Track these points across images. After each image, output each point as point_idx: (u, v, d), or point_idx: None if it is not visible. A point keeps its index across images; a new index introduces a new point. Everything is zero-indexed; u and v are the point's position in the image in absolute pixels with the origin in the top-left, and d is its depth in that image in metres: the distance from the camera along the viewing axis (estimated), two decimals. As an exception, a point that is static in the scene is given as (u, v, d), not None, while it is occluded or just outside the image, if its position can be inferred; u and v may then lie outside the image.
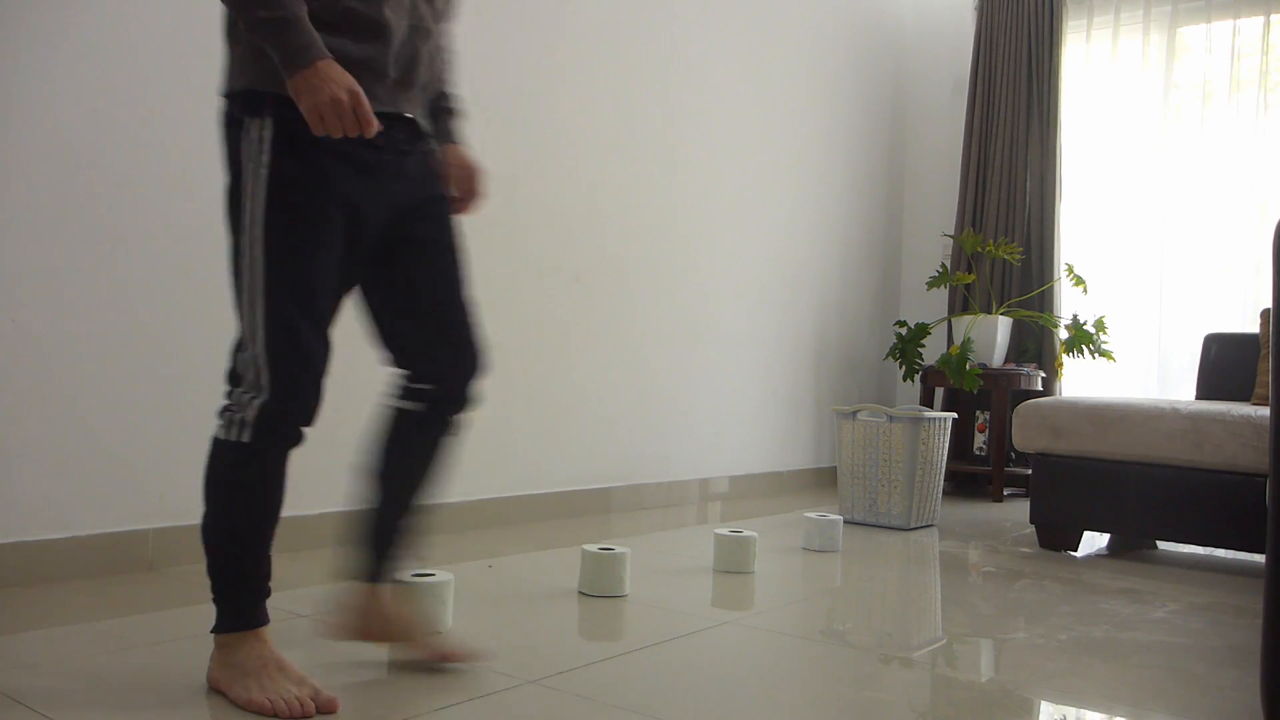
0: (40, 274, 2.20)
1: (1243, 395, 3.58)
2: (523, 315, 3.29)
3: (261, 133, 1.47)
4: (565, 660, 1.79)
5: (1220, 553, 3.31)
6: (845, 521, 3.58)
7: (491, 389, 3.20)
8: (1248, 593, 2.64)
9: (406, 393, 1.70)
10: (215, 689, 1.54)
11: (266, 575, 1.58)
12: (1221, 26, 4.39)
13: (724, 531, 2.66)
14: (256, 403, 1.50)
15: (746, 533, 2.66)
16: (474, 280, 3.24)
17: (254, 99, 1.47)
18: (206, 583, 1.58)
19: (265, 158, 1.46)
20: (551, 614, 2.13)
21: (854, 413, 3.59)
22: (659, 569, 2.62)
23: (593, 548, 2.33)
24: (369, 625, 1.70)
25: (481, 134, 3.15)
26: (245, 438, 1.51)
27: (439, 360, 1.68)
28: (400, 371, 1.71)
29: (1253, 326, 4.14)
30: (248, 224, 1.47)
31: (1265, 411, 2.85)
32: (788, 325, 4.48)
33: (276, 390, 1.50)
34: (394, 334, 1.70)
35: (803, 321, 4.57)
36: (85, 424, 2.27)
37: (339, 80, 1.39)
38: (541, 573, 2.51)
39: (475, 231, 3.15)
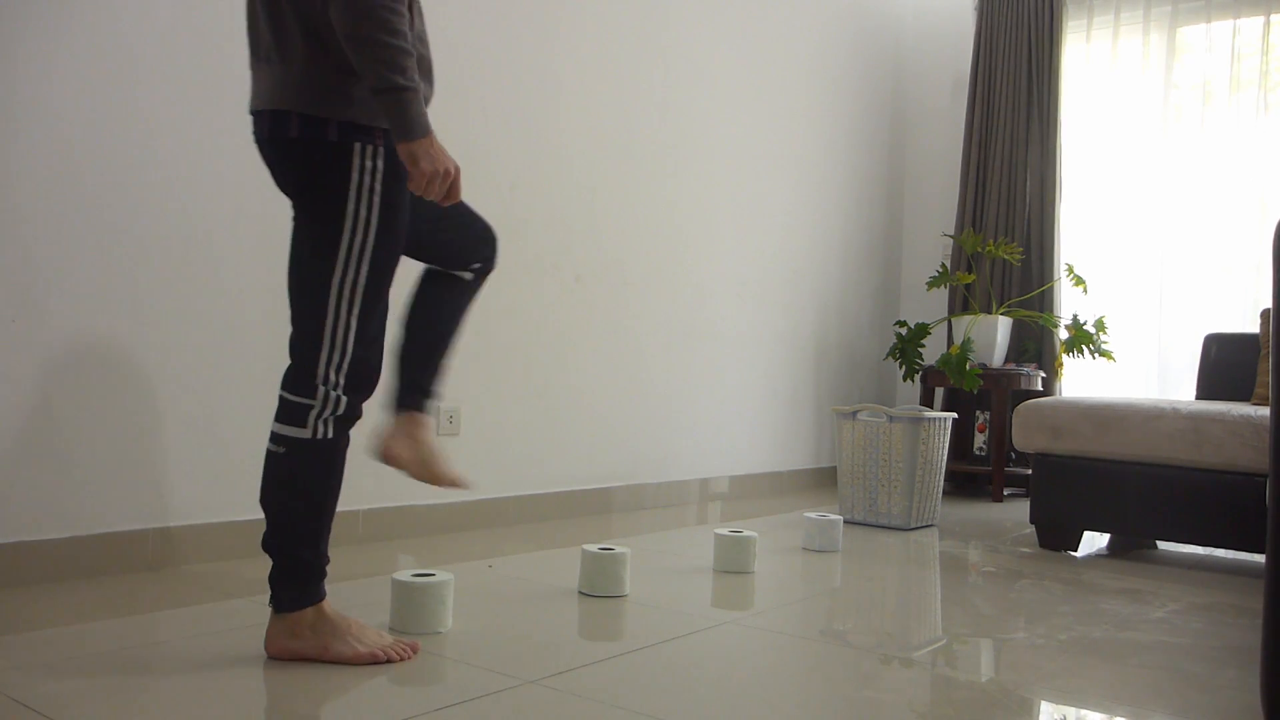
0: (40, 274, 2.20)
1: (1243, 395, 3.58)
2: (523, 315, 3.29)
3: (375, 162, 1.65)
4: (565, 660, 1.79)
5: (1220, 553, 3.31)
6: (845, 521, 3.58)
7: (492, 389, 3.21)
8: (1248, 593, 2.64)
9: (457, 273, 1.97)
10: (297, 657, 1.69)
11: (327, 551, 1.75)
12: (1221, 26, 4.39)
13: (724, 531, 2.66)
14: (344, 400, 1.68)
15: (746, 533, 2.66)
16: (474, 280, 3.22)
17: (365, 130, 1.64)
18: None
19: (379, 187, 1.65)
20: (551, 614, 2.13)
21: (854, 413, 3.59)
22: (659, 569, 2.62)
23: (593, 548, 2.33)
24: (419, 453, 1.91)
25: (482, 134, 3.15)
26: (329, 434, 1.69)
27: (479, 247, 1.97)
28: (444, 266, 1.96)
29: (1253, 326, 4.14)
30: (354, 243, 1.65)
31: (1265, 411, 2.85)
32: (788, 325, 4.48)
33: (365, 385, 1.72)
34: (437, 250, 1.93)
35: (803, 321, 4.57)
36: (85, 424, 2.27)
37: (448, 156, 1.62)
38: (541, 573, 2.51)
39: (475, 231, 3.16)
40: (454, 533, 3.04)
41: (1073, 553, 3.16)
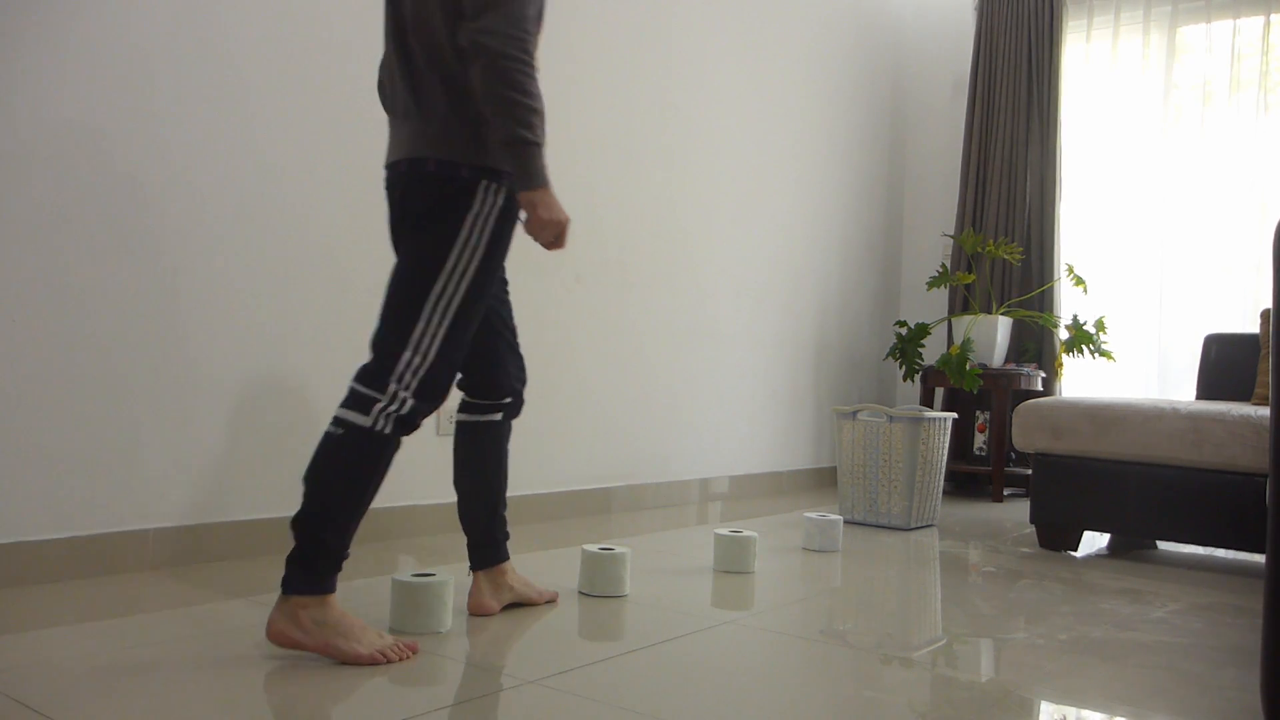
0: (40, 274, 2.20)
1: (1243, 395, 3.58)
2: (523, 315, 3.28)
3: (496, 199, 1.83)
4: (565, 660, 1.79)
5: (1220, 553, 3.31)
6: (845, 521, 3.58)
7: (491, 389, 3.20)
8: (1248, 593, 2.64)
9: (487, 408, 2.13)
10: (296, 648, 1.72)
11: (349, 547, 1.79)
12: (1221, 26, 4.39)
13: (724, 531, 2.66)
14: (410, 403, 1.78)
15: (746, 533, 2.66)
16: (474, 280, 3.22)
17: (492, 172, 1.82)
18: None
19: (493, 220, 1.83)
20: (551, 614, 2.13)
21: (854, 413, 3.59)
22: (659, 569, 2.62)
23: (593, 548, 2.33)
24: (506, 597, 2.10)
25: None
26: (387, 429, 1.76)
27: (518, 374, 2.16)
28: (481, 390, 2.12)
29: (1253, 326, 4.14)
30: (460, 262, 1.81)
31: (1265, 411, 2.85)
32: (788, 325, 4.48)
33: (434, 397, 1.82)
34: (483, 355, 2.10)
35: (803, 321, 4.58)
36: (85, 424, 2.27)
37: (561, 208, 1.82)
38: (541, 573, 2.51)
39: (475, 231, 3.15)
40: (454, 533, 3.04)
41: (1073, 553, 3.16)
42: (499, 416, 2.12)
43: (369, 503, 1.78)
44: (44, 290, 2.21)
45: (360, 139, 2.81)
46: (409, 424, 1.78)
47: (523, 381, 2.16)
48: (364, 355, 2.90)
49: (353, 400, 1.76)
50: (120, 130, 2.32)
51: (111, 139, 2.31)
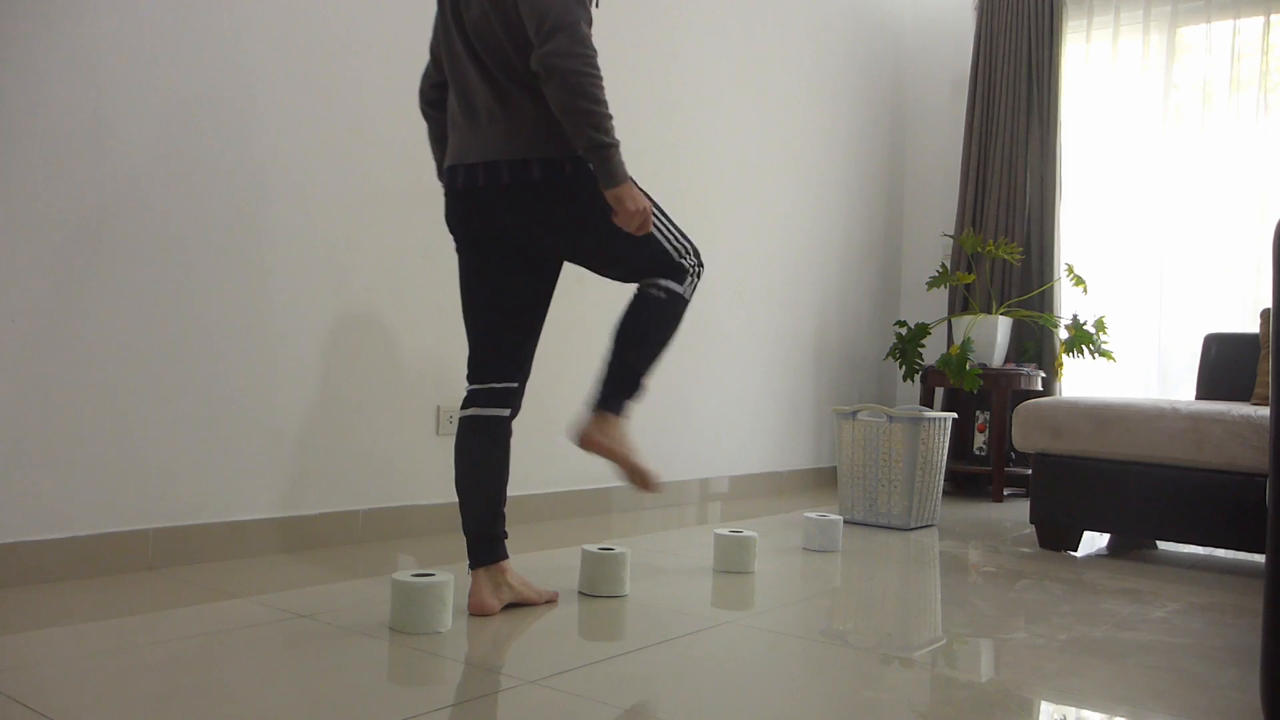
0: (40, 274, 2.20)
1: (1243, 395, 3.58)
2: (523, 315, 3.28)
3: (588, 174, 2.04)
4: (565, 660, 1.79)
5: (1220, 553, 3.31)
6: (845, 521, 3.58)
7: (491, 389, 3.20)
8: (1248, 593, 2.64)
9: (495, 402, 2.18)
10: (600, 450, 2.07)
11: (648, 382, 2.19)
12: (1221, 26, 4.39)
13: (724, 531, 2.66)
14: (698, 269, 2.18)
15: (746, 533, 2.66)
16: (474, 280, 3.21)
17: (580, 159, 2.04)
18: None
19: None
20: (551, 614, 2.13)
21: (854, 413, 3.59)
22: (659, 569, 2.62)
23: (593, 548, 2.33)
24: (506, 596, 2.13)
25: (481, 134, 3.15)
26: (690, 295, 2.16)
27: (526, 372, 2.26)
28: (498, 376, 2.18)
29: (1253, 326, 4.14)
30: (636, 204, 1.99)
31: (1265, 411, 2.85)
32: (788, 325, 4.48)
33: (700, 257, 2.20)
34: (515, 345, 2.21)
35: (803, 321, 4.58)
36: (85, 424, 2.27)
37: (641, 196, 1.99)
38: (541, 573, 2.51)
39: (475, 231, 3.15)
40: (454, 533, 3.04)
41: (1073, 553, 3.16)
42: (506, 413, 2.16)
43: (662, 350, 2.16)
44: (44, 291, 2.21)
45: (361, 140, 2.81)
46: (697, 283, 2.20)
47: (526, 378, 2.26)
48: (362, 352, 2.90)
49: (672, 278, 2.13)
50: (120, 130, 2.32)
51: (111, 139, 2.31)
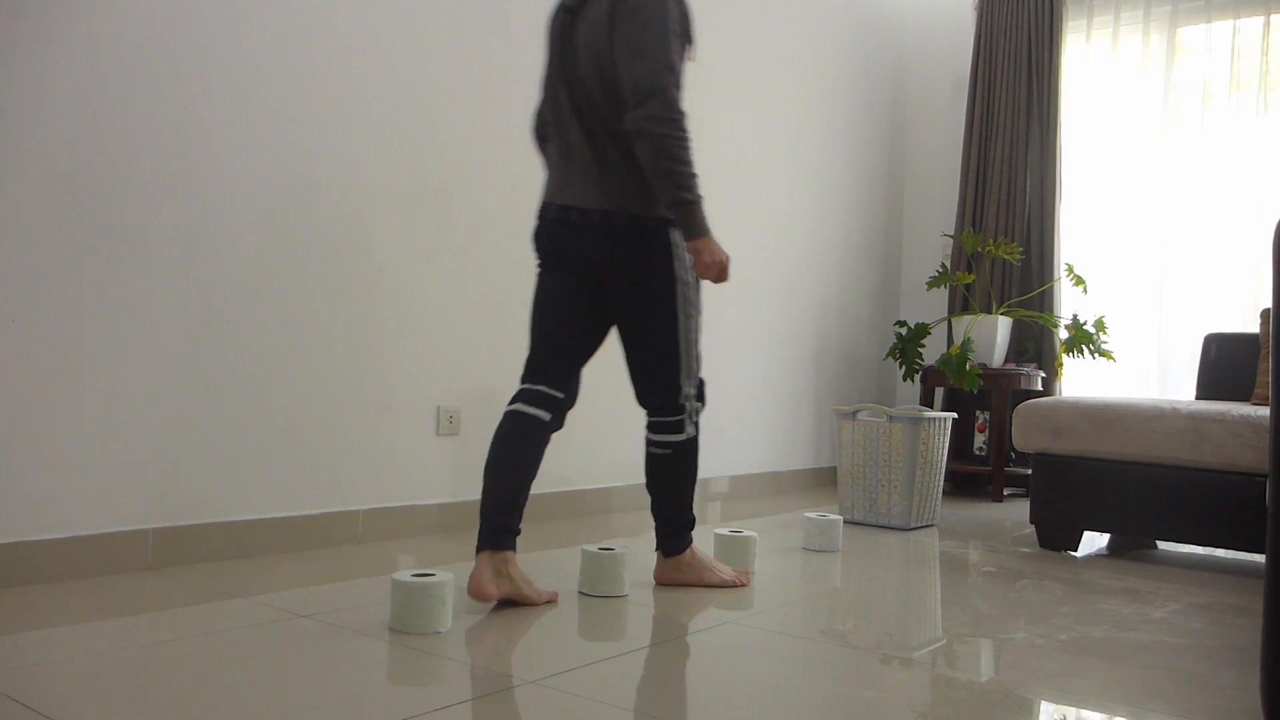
0: (40, 274, 2.20)
1: (1243, 395, 3.58)
2: (523, 315, 3.29)
3: (680, 242, 2.25)
4: (565, 660, 1.79)
5: (1220, 553, 3.31)
6: (845, 521, 3.58)
7: (492, 389, 3.21)
8: (1248, 593, 2.64)
9: (544, 405, 2.30)
10: (679, 584, 2.41)
11: (694, 514, 2.43)
12: (1221, 26, 4.39)
13: (724, 531, 2.66)
14: (699, 407, 2.37)
15: (746, 533, 2.66)
16: (475, 280, 3.25)
17: (673, 220, 2.22)
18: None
19: (687, 260, 2.25)
20: (551, 614, 2.13)
21: (854, 413, 3.59)
22: (659, 569, 2.62)
23: (593, 548, 2.33)
24: (505, 587, 2.15)
25: (482, 134, 3.15)
26: (696, 432, 2.36)
27: (575, 388, 2.40)
28: (553, 383, 2.33)
29: (1253, 326, 4.14)
30: (688, 300, 2.27)
31: (1265, 411, 2.85)
32: (788, 325, 4.48)
33: (703, 394, 2.41)
34: (571, 359, 2.38)
35: (803, 321, 4.57)
36: (85, 424, 2.27)
37: (721, 249, 2.20)
38: (541, 573, 2.51)
39: (476, 232, 3.17)
40: (454, 533, 3.04)
41: (1073, 553, 3.16)
42: (547, 417, 2.28)
43: (697, 478, 2.45)
44: (44, 291, 2.21)
45: (361, 139, 2.81)
46: (699, 415, 2.38)
47: (574, 402, 2.38)
48: (362, 352, 2.90)
49: (664, 428, 2.33)
50: (121, 129, 2.32)
51: (113, 138, 2.31)
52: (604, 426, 3.59)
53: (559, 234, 2.26)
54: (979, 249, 4.61)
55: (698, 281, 2.30)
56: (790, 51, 4.48)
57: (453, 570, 2.47)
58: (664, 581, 2.43)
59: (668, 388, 2.30)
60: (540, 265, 2.35)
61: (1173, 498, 2.94)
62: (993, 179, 4.84)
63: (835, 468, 4.79)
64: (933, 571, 2.81)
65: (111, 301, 2.32)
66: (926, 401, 4.66)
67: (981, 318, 4.45)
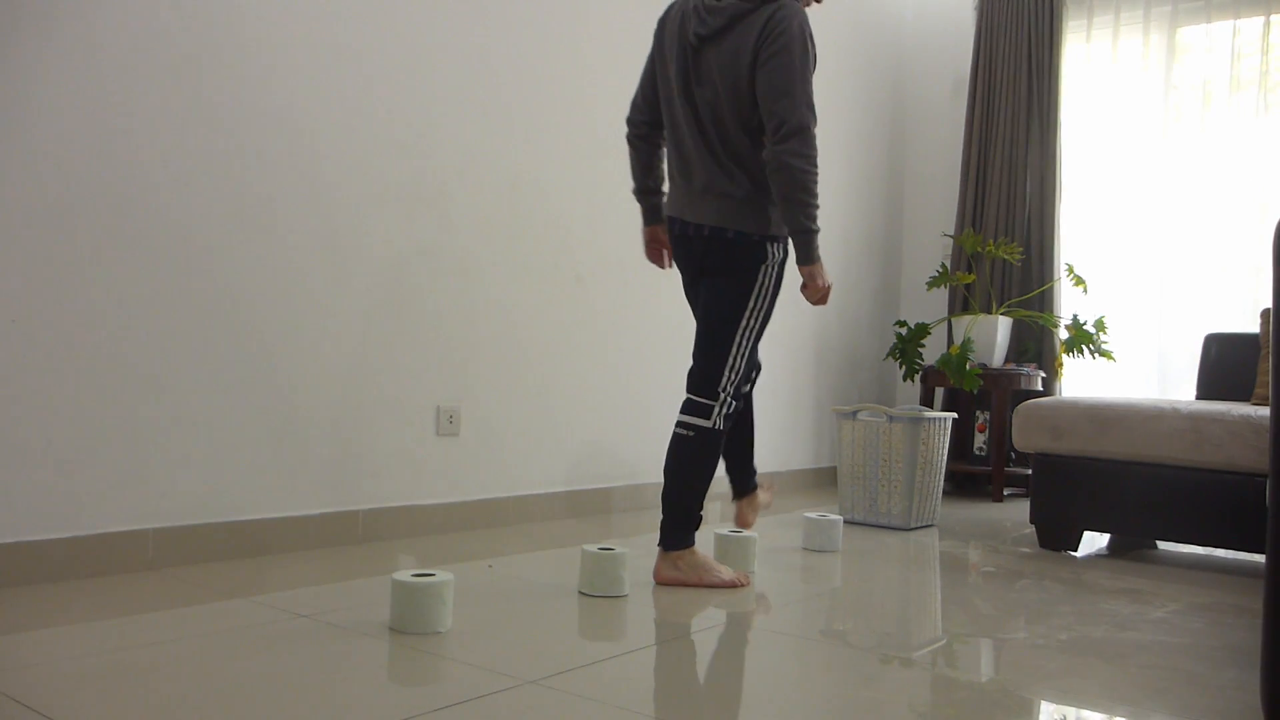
0: (40, 274, 2.20)
1: (1243, 395, 3.58)
2: (523, 315, 3.29)
3: (779, 257, 2.46)
4: (565, 660, 1.79)
5: (1220, 553, 3.31)
6: (845, 521, 3.58)
7: (491, 389, 3.21)
8: (1248, 593, 2.64)
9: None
10: (678, 584, 2.43)
11: (702, 511, 2.49)
12: (1221, 26, 4.39)
13: (723, 532, 2.66)
14: (732, 404, 2.45)
15: (746, 533, 2.66)
16: (475, 281, 3.25)
17: (777, 240, 2.45)
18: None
19: (775, 272, 2.45)
20: (551, 614, 2.13)
21: (854, 413, 3.59)
22: (659, 569, 2.62)
23: (593, 548, 2.33)
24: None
25: (482, 134, 3.15)
26: (722, 426, 2.44)
27: (751, 374, 2.64)
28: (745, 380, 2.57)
29: (1253, 326, 4.14)
30: (757, 307, 2.44)
31: (1265, 411, 2.85)
32: (788, 325, 4.48)
33: (741, 396, 2.51)
34: None
35: (803, 321, 4.57)
36: (85, 424, 2.27)
37: (827, 275, 2.47)
38: (541, 573, 2.51)
39: (476, 232, 3.17)
40: (454, 533, 3.04)
41: (1073, 553, 3.16)
42: (747, 388, 2.63)
43: (711, 479, 2.45)
44: (44, 290, 2.21)
45: (362, 139, 2.81)
46: (731, 419, 2.47)
47: (752, 382, 2.64)
48: (362, 352, 2.90)
49: (694, 408, 2.43)
50: (121, 128, 2.32)
51: (113, 137, 2.31)
52: (604, 427, 3.59)
53: (683, 247, 2.51)
54: (979, 249, 4.61)
55: (775, 296, 2.49)
56: (790, 51, 4.48)
57: (453, 570, 2.47)
58: (663, 580, 2.44)
59: (712, 373, 2.43)
60: (683, 275, 2.59)
61: (1173, 498, 2.94)
62: (993, 179, 4.84)
63: (835, 468, 4.79)
64: (933, 571, 2.81)
65: (112, 302, 2.32)
66: (926, 401, 4.66)
67: (981, 318, 4.45)
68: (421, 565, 2.58)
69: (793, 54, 2.28)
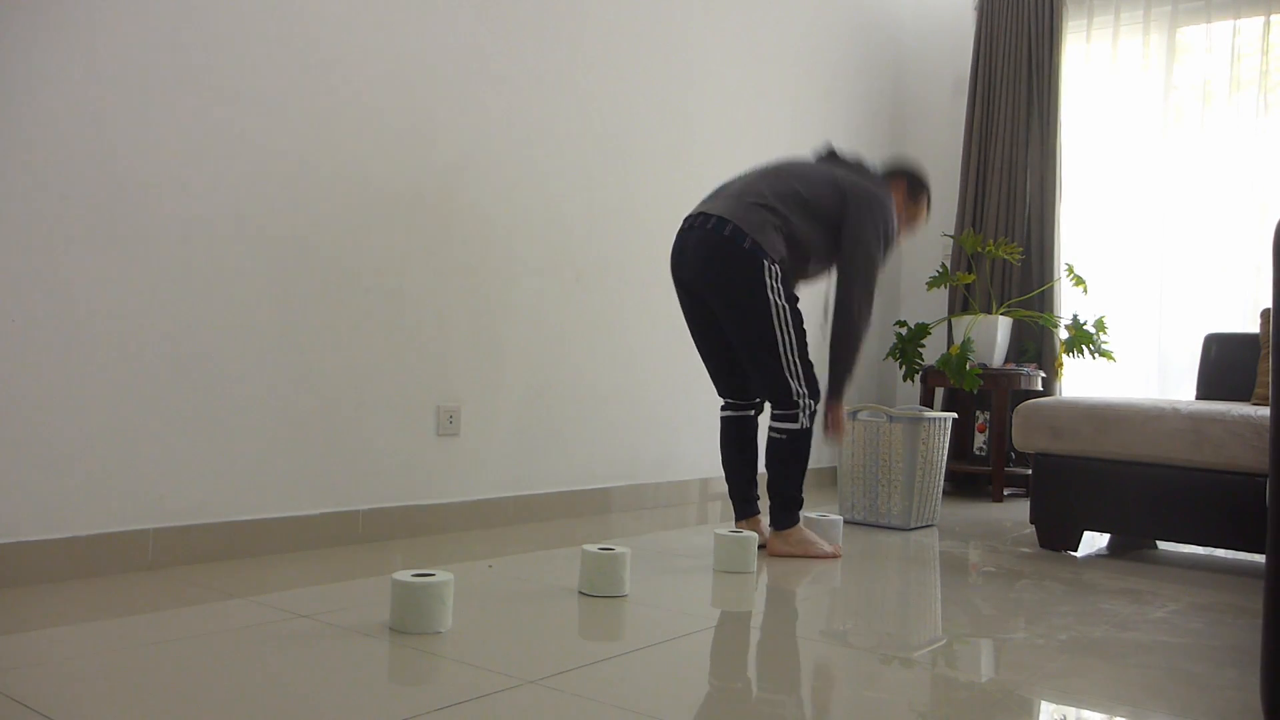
0: (40, 274, 2.20)
1: (1243, 395, 3.58)
2: (523, 315, 3.29)
3: (776, 268, 2.74)
4: (565, 660, 1.79)
5: (1220, 553, 3.31)
6: (845, 521, 3.58)
7: (491, 388, 3.21)
8: (1248, 593, 2.64)
9: (743, 407, 3.04)
10: (789, 555, 2.85)
11: (802, 494, 2.89)
12: (1221, 26, 4.39)
13: (724, 531, 2.66)
14: (811, 405, 2.82)
15: (747, 533, 2.66)
16: (475, 281, 3.24)
17: (769, 255, 2.72)
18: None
19: (778, 284, 2.74)
20: (551, 614, 2.13)
21: (854, 413, 3.59)
22: (659, 569, 2.62)
23: (593, 548, 2.33)
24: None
25: (482, 134, 3.15)
26: (808, 424, 2.82)
27: (753, 389, 3.00)
28: (738, 395, 3.01)
29: (1253, 326, 4.14)
30: (780, 317, 2.75)
31: (1265, 411, 2.85)
32: (788, 325, 4.47)
33: (817, 392, 2.86)
34: (734, 373, 2.99)
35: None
36: (85, 424, 2.27)
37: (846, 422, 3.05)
38: (541, 573, 2.51)
39: (476, 232, 3.17)
40: (454, 533, 3.04)
41: (1073, 553, 3.16)
42: (751, 413, 3.00)
43: (807, 466, 2.87)
44: (44, 290, 2.21)
45: (361, 139, 2.81)
46: (815, 414, 2.84)
47: (763, 395, 2.91)
48: (362, 352, 2.90)
49: (781, 417, 2.81)
50: (121, 128, 2.32)
51: (113, 137, 2.31)
52: (604, 427, 3.59)
53: (685, 240, 2.85)
54: (979, 249, 4.61)
55: (794, 312, 2.81)
56: (790, 52, 4.48)
57: (453, 570, 2.47)
58: (774, 552, 2.84)
59: (780, 393, 2.81)
60: (681, 293, 2.95)
61: (1173, 498, 2.94)
62: (993, 179, 4.84)
63: (835, 468, 4.79)
64: (933, 571, 2.81)
65: (111, 301, 2.32)
66: (926, 401, 4.66)
67: (981, 318, 4.45)
68: (421, 565, 2.58)
69: (870, 229, 2.87)
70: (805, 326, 2.93)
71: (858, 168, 2.96)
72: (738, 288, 2.70)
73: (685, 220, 2.85)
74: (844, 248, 2.84)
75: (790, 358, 2.76)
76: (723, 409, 3.02)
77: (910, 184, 3.09)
